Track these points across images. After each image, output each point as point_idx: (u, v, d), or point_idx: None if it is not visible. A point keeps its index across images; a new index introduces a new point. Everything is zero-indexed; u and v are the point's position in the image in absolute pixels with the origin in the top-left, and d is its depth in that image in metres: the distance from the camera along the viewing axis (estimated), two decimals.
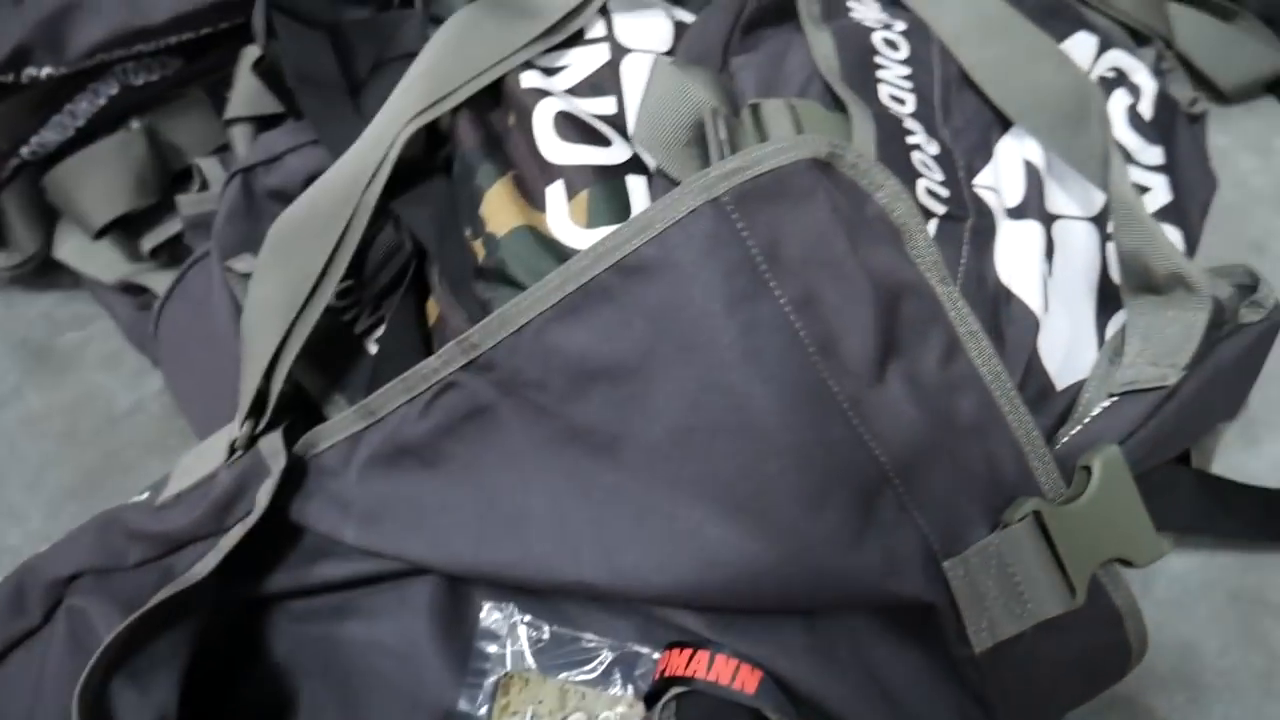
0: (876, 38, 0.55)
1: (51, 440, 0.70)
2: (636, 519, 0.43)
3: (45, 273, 0.75)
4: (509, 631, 0.48)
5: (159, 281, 0.70)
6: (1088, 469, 0.43)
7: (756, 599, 0.42)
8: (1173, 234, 0.57)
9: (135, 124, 0.69)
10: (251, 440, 0.49)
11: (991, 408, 0.43)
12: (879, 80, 0.52)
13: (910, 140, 0.50)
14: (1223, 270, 0.52)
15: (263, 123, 0.68)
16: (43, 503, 0.67)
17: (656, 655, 0.46)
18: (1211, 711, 0.56)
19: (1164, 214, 0.57)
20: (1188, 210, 0.59)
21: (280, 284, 0.50)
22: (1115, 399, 0.46)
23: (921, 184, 0.48)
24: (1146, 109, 0.60)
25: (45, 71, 0.64)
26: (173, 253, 0.72)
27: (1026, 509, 0.42)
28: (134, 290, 0.72)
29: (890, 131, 0.49)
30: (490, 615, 0.48)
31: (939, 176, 0.49)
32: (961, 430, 0.43)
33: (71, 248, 0.72)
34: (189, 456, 0.52)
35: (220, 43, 0.68)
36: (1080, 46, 0.60)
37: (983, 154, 0.53)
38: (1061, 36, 0.60)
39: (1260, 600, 0.59)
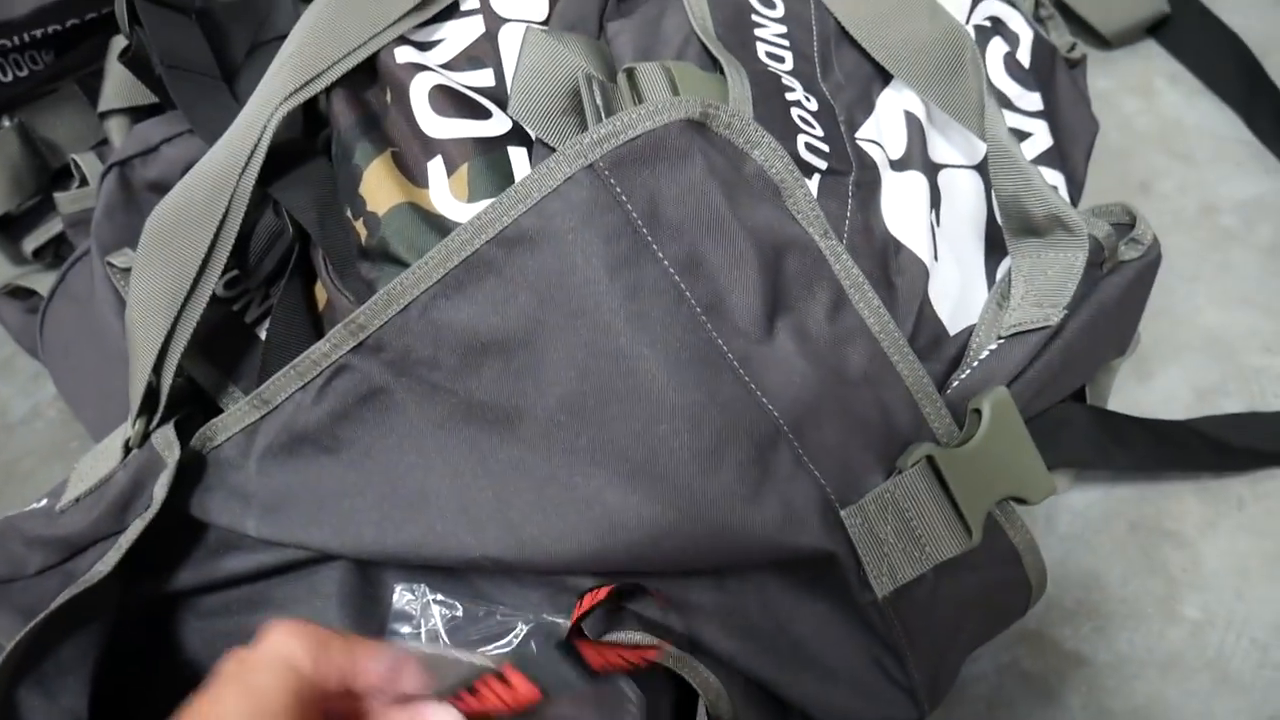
0: None
1: None
2: (537, 490, 0.43)
3: None
4: (421, 611, 0.47)
5: (45, 283, 0.68)
6: (978, 411, 0.44)
7: (660, 561, 0.42)
8: (1054, 177, 0.58)
9: (6, 122, 0.67)
10: (145, 437, 0.48)
11: (880, 357, 0.44)
12: (757, 39, 0.52)
13: (789, 97, 0.50)
14: (1101, 210, 0.53)
15: (139, 114, 0.66)
16: None
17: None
18: (1117, 638, 0.58)
19: (1044, 158, 0.58)
20: (1069, 154, 0.60)
21: (162, 277, 0.48)
22: (1003, 341, 0.47)
23: (801, 140, 0.48)
24: (1024, 56, 0.61)
25: None
26: (57, 253, 0.70)
27: (920, 454, 0.43)
28: (20, 294, 0.70)
29: (768, 89, 0.49)
30: (402, 597, 0.47)
31: (819, 132, 0.49)
32: (853, 381, 0.43)
33: None
34: (85, 460, 0.51)
35: (91, 34, 0.66)
36: None
37: (864, 107, 0.53)
38: None
39: (1158, 529, 0.61)
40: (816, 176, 0.48)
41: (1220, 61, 0.80)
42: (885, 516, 0.42)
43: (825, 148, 0.49)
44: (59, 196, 0.65)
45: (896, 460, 0.43)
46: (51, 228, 0.69)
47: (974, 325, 0.50)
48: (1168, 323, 0.67)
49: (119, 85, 0.64)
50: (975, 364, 0.47)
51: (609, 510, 0.41)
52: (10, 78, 0.66)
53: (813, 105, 0.50)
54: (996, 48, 0.59)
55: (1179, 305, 0.68)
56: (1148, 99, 0.80)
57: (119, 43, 0.62)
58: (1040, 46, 0.61)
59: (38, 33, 0.63)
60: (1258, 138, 0.77)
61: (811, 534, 0.42)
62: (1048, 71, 0.62)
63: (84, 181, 0.67)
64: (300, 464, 0.47)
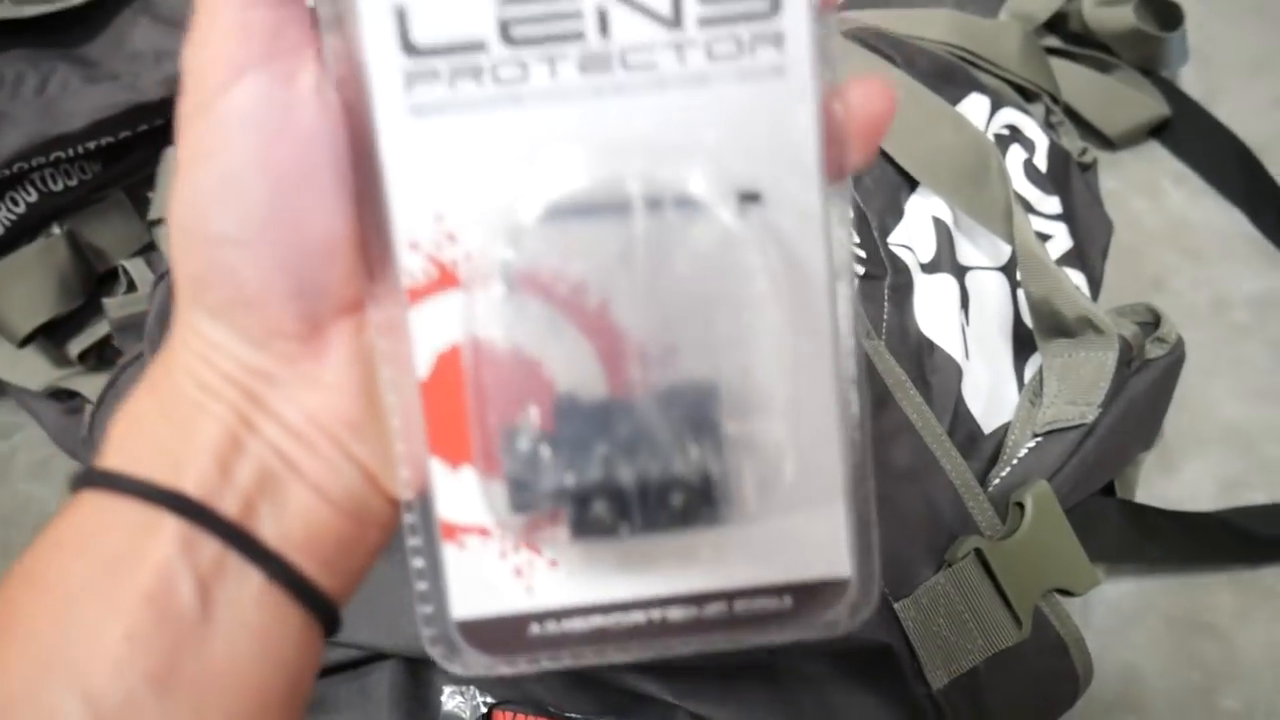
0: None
1: None
2: None
3: None
4: (472, 714, 0.48)
5: (88, 386, 0.70)
6: (1021, 505, 0.45)
7: (721, 654, 0.43)
8: (1077, 278, 0.60)
9: (56, 229, 0.69)
10: None
11: (924, 453, 0.45)
12: None
13: None
14: (1126, 310, 0.55)
15: None
16: None
17: None
18: None
19: (1067, 259, 0.61)
20: (1088, 254, 0.62)
21: None
22: (1039, 439, 0.49)
23: (850, 189, 0.50)
24: (1041, 162, 0.63)
25: None
26: (100, 355, 0.71)
27: (968, 547, 0.44)
28: (60, 396, 0.71)
29: None
30: (452, 699, 0.48)
31: (855, 238, 0.51)
32: (898, 476, 0.45)
33: None
34: None
35: (139, 146, 0.69)
36: (975, 107, 0.64)
37: (894, 213, 0.56)
38: (956, 99, 0.63)
39: (1192, 620, 0.61)
40: (854, 281, 0.50)
41: (1222, 160, 0.83)
42: (938, 609, 0.43)
43: (862, 253, 0.51)
44: (107, 302, 0.67)
45: (944, 553, 0.45)
46: (97, 331, 0.70)
47: (1008, 423, 0.51)
48: (1188, 417, 0.68)
49: (169, 195, 0.66)
50: (1015, 460, 0.48)
51: None
52: (61, 187, 0.68)
53: None
54: (1015, 154, 0.62)
55: (1198, 399, 0.69)
56: (1155, 198, 0.83)
57: (173, 154, 0.65)
58: (1055, 152, 0.64)
59: (91, 144, 0.66)
60: (1262, 233, 0.79)
61: (868, 627, 0.42)
62: (1064, 175, 0.64)
63: (132, 287, 0.68)
64: None
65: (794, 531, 0.24)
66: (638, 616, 0.25)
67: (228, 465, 0.23)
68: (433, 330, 0.23)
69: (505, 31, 0.22)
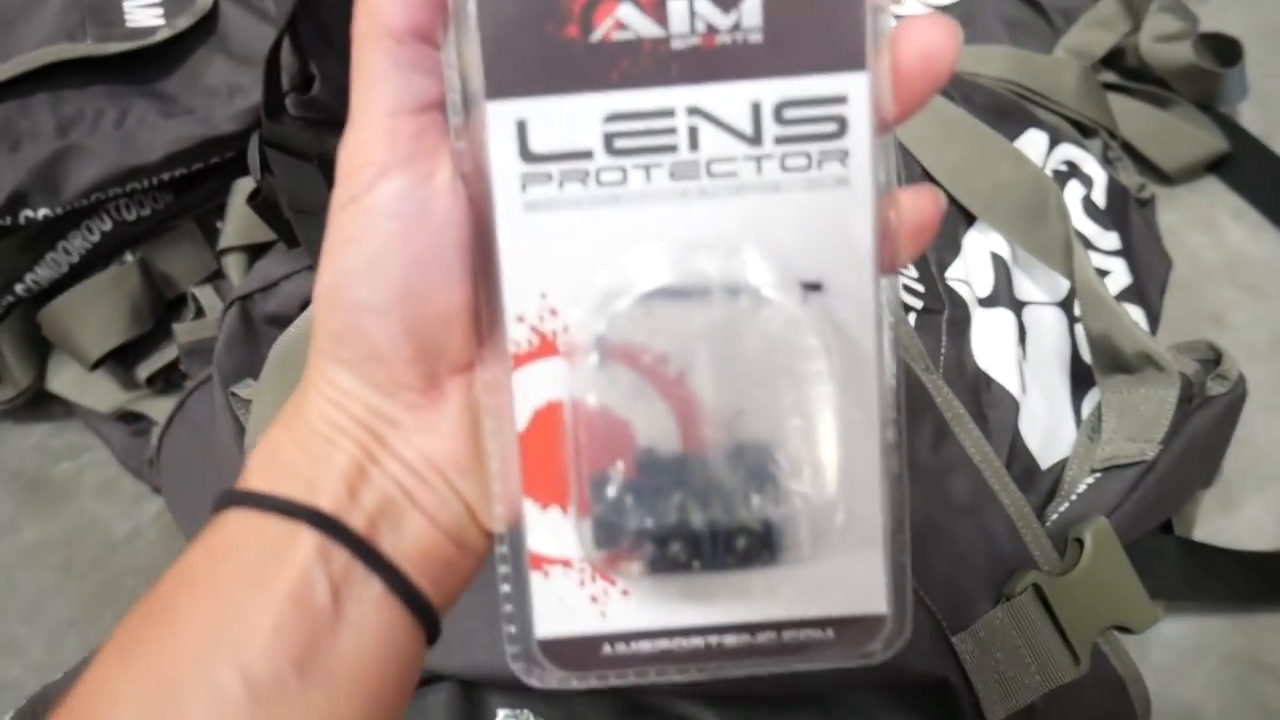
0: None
1: (49, 571, 0.70)
2: None
3: (36, 404, 0.76)
4: None
5: (154, 408, 0.71)
6: (1080, 541, 0.45)
7: (775, 684, 0.43)
8: (1136, 314, 0.60)
9: (129, 257, 0.71)
10: None
11: (983, 487, 0.46)
12: None
13: None
14: (1186, 346, 0.55)
15: (254, 251, 0.70)
16: (43, 634, 0.67)
17: None
18: None
19: (1126, 295, 0.60)
20: (1147, 290, 0.62)
21: (283, 402, 0.51)
22: (1098, 475, 0.48)
23: (899, 281, 0.51)
24: (1100, 197, 0.63)
25: (41, 213, 0.66)
26: (168, 379, 0.73)
27: (1027, 581, 0.44)
28: (128, 418, 0.73)
29: None
30: None
31: (914, 273, 0.52)
32: (957, 510, 0.45)
33: (66, 380, 0.73)
34: None
35: (208, 178, 0.71)
36: (1033, 143, 0.64)
37: (952, 249, 0.56)
38: (1014, 135, 0.64)
39: (1253, 661, 0.60)
40: (913, 315, 0.50)
41: None
42: (996, 643, 0.43)
43: (920, 288, 0.51)
44: (177, 327, 0.69)
45: (1002, 588, 0.45)
46: (165, 355, 0.72)
47: (1066, 458, 0.51)
48: (1249, 454, 0.68)
49: (239, 225, 0.68)
50: (1074, 496, 0.48)
51: None
52: (135, 216, 0.70)
53: None
54: (1074, 190, 0.62)
55: (1259, 436, 0.69)
56: (1213, 234, 0.82)
57: (244, 186, 0.67)
58: (1114, 188, 0.64)
59: (165, 176, 0.68)
60: None
61: (925, 659, 0.43)
62: (1122, 211, 0.64)
63: (200, 313, 0.70)
64: None
65: (838, 573, 0.28)
66: (697, 641, 0.28)
67: (355, 490, 0.27)
68: (532, 390, 0.27)
69: (609, 143, 0.26)
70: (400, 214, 0.26)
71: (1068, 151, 0.64)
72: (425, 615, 0.27)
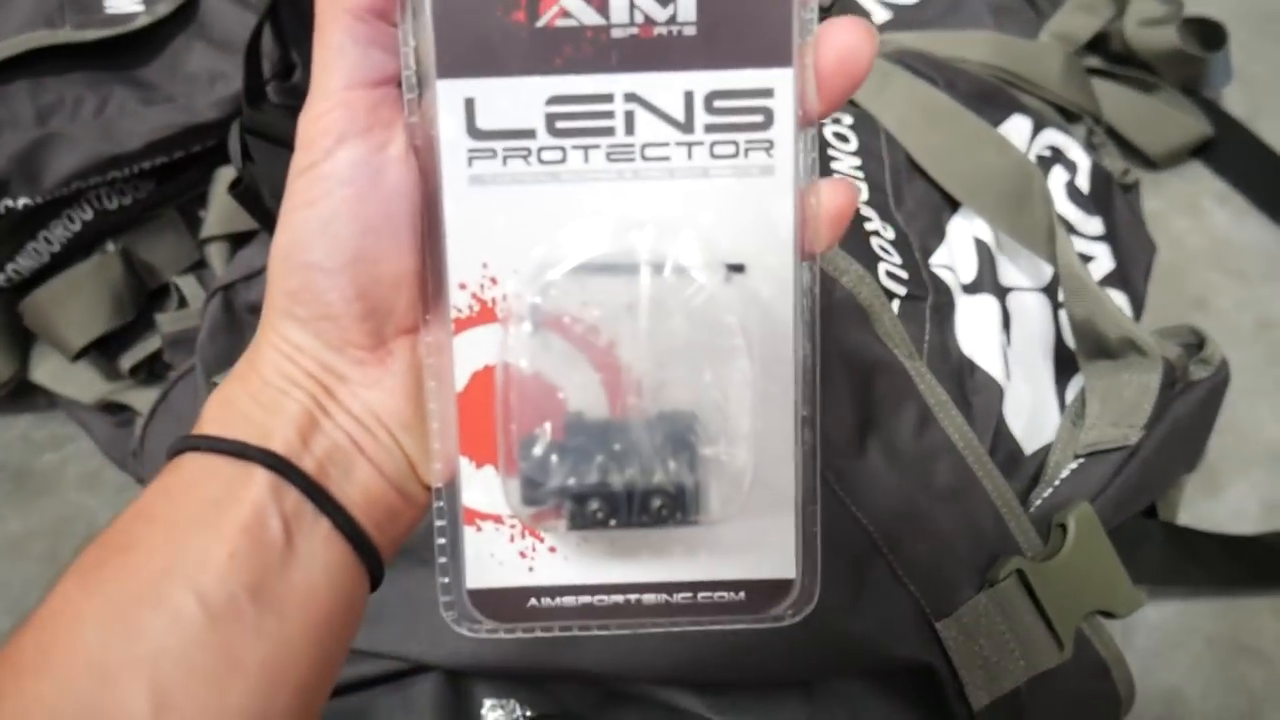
0: (827, 132, 0.58)
1: (33, 563, 0.70)
2: None
3: (19, 395, 0.75)
4: None
5: (138, 399, 0.71)
6: (1063, 527, 0.45)
7: (759, 671, 0.43)
8: (1119, 299, 0.60)
9: (111, 247, 0.70)
10: None
11: (966, 473, 0.46)
12: (833, 171, 0.56)
13: (868, 227, 0.52)
14: (1169, 331, 0.55)
15: (236, 240, 0.69)
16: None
17: None
18: None
19: (1109, 280, 0.60)
20: (1131, 275, 0.62)
21: None
22: (1082, 460, 0.49)
23: (882, 267, 0.51)
24: (1084, 183, 0.63)
25: (21, 202, 0.66)
26: (150, 369, 0.73)
27: (1010, 568, 0.44)
28: (111, 408, 0.73)
29: None
30: (492, 712, 0.48)
31: (897, 260, 0.52)
32: (940, 495, 0.45)
33: (49, 370, 0.73)
34: None
35: (190, 167, 0.70)
36: (1016, 129, 0.64)
37: (935, 235, 0.56)
38: (998, 121, 0.64)
39: (1235, 644, 0.61)
40: (896, 301, 0.50)
41: (1265, 180, 0.83)
42: (980, 628, 0.43)
43: (904, 274, 0.51)
44: (160, 317, 0.69)
45: (986, 574, 0.45)
46: (148, 346, 0.72)
47: (1050, 444, 0.51)
48: (1233, 438, 0.68)
49: (221, 214, 0.68)
50: (1058, 481, 0.48)
51: None
52: (116, 205, 0.70)
53: (890, 234, 0.53)
54: (1058, 176, 0.62)
55: (1242, 420, 0.69)
56: (1197, 218, 0.83)
57: (225, 175, 0.66)
58: (1098, 173, 0.64)
59: (146, 164, 0.67)
60: None
61: (909, 645, 0.43)
62: (1106, 196, 0.64)
63: (183, 303, 0.70)
64: (398, 575, 0.48)
65: (751, 538, 0.30)
66: (618, 598, 0.30)
67: (306, 437, 0.29)
68: (471, 354, 0.29)
69: (551, 124, 0.28)
70: (355, 181, 0.27)
71: (1051, 137, 0.64)
72: (370, 557, 0.29)
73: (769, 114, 0.27)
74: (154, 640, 0.25)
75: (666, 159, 0.27)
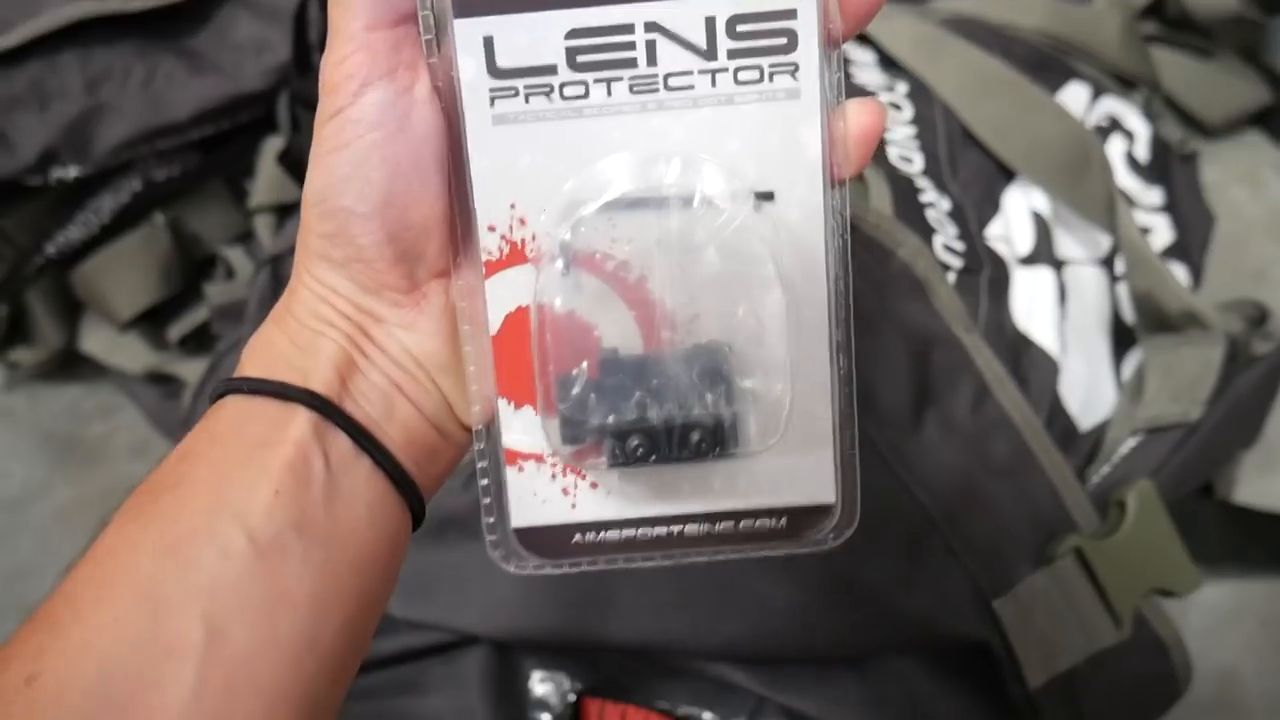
0: (882, 100, 0.57)
1: (83, 533, 0.71)
2: (684, 577, 0.44)
3: (67, 366, 0.76)
4: (560, 700, 0.48)
5: (186, 369, 0.71)
6: (1121, 504, 0.45)
7: (810, 648, 0.43)
8: (1179, 271, 0.59)
9: (159, 218, 0.71)
10: None
11: (1023, 449, 0.45)
12: (888, 142, 0.55)
13: (923, 199, 0.51)
14: (1232, 305, 0.53)
15: (284, 211, 0.69)
16: None
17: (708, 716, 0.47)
18: None
19: (1169, 253, 0.59)
20: (1190, 247, 0.61)
21: None
22: (1141, 437, 0.48)
23: (938, 240, 0.50)
24: (1142, 152, 0.62)
25: (72, 172, 0.66)
26: (198, 340, 0.73)
27: (1068, 545, 0.43)
28: (159, 379, 0.73)
29: (904, 191, 0.51)
30: (542, 685, 0.49)
31: (954, 231, 0.51)
32: (997, 472, 0.44)
33: (98, 340, 0.73)
34: None
35: (236, 138, 0.70)
36: (1073, 97, 0.63)
37: (990, 206, 0.55)
38: (1054, 88, 0.62)
39: None
40: (952, 274, 0.49)
41: None
42: (1037, 606, 0.43)
43: (960, 246, 0.50)
44: (209, 288, 0.69)
45: (1043, 551, 0.44)
46: (196, 317, 0.72)
47: (1106, 420, 0.50)
48: None
49: (269, 184, 0.68)
50: (1116, 458, 0.47)
51: (760, 598, 0.42)
52: (164, 176, 0.70)
53: (945, 205, 0.52)
54: (1116, 145, 0.61)
55: None
56: (1255, 188, 0.81)
57: (274, 144, 0.66)
58: (1157, 143, 0.63)
59: (194, 135, 0.68)
60: None
61: (965, 622, 0.42)
62: (1165, 167, 0.63)
63: (230, 274, 0.70)
64: (446, 548, 0.48)
65: (789, 466, 0.30)
66: (661, 530, 0.30)
67: (345, 377, 0.29)
68: (503, 296, 0.29)
69: (571, 59, 0.27)
70: (383, 124, 0.27)
71: (1109, 105, 0.63)
72: (411, 494, 0.29)
73: (793, 36, 0.27)
74: (206, 573, 0.26)
75: (690, 88, 0.27)
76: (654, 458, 0.28)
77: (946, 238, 0.50)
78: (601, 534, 0.30)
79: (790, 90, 0.27)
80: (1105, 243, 0.56)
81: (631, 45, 0.27)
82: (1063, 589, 0.43)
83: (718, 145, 0.28)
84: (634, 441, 0.28)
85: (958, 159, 0.56)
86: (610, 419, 0.28)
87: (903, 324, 0.44)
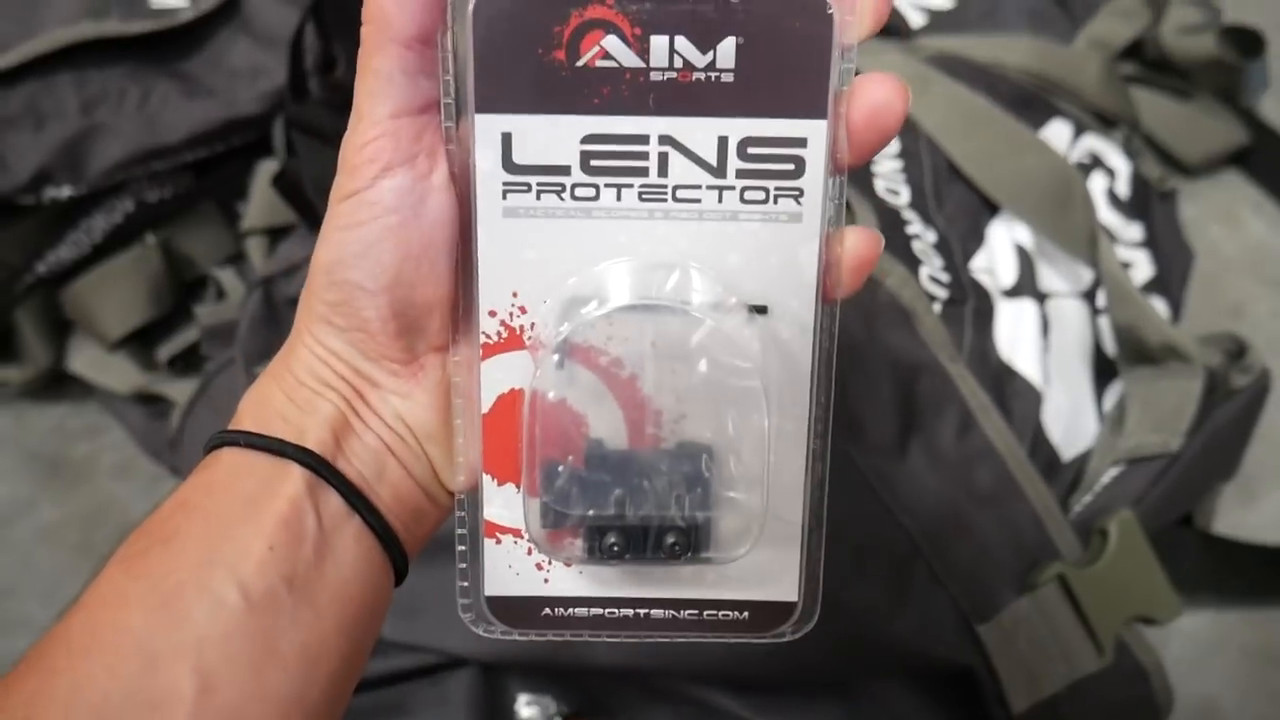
0: None
1: (66, 551, 0.71)
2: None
3: (54, 385, 0.76)
4: None
5: (174, 390, 0.71)
6: (1103, 533, 0.45)
7: (798, 670, 0.43)
8: (1159, 305, 0.60)
9: (151, 238, 0.71)
10: None
11: (1007, 477, 0.46)
12: (874, 175, 0.56)
13: (909, 230, 0.52)
14: (1211, 338, 0.54)
15: (275, 234, 0.70)
16: (58, 615, 0.67)
17: None
18: None
19: (1150, 287, 0.60)
20: (1170, 282, 0.62)
21: None
22: (1122, 467, 0.48)
23: (924, 271, 0.51)
24: (1123, 189, 0.63)
25: (65, 192, 0.66)
26: (187, 360, 0.73)
27: (1051, 572, 0.44)
28: (146, 399, 0.73)
29: (890, 222, 0.52)
30: (528, 708, 0.49)
31: (939, 263, 0.52)
32: (981, 499, 0.45)
33: (86, 360, 0.73)
34: None
35: (230, 158, 0.71)
36: (1056, 134, 0.64)
37: (975, 239, 0.56)
38: (1038, 125, 0.63)
39: (1271, 654, 0.61)
40: (937, 305, 0.50)
41: None
42: (1020, 633, 0.43)
43: (945, 278, 0.51)
44: (199, 310, 0.69)
45: (1026, 579, 0.45)
46: (186, 337, 0.72)
47: (1088, 450, 0.51)
48: (1268, 446, 0.68)
49: (261, 207, 0.68)
50: (1097, 487, 0.48)
51: None
52: (156, 198, 0.71)
53: (931, 237, 0.53)
54: (1098, 182, 0.62)
55: (1279, 429, 0.69)
56: (1233, 226, 0.82)
57: (267, 168, 0.67)
58: (1138, 180, 0.64)
59: (188, 157, 0.68)
60: None
61: (950, 647, 0.43)
62: (1145, 203, 0.64)
63: (221, 295, 0.70)
64: (435, 569, 0.48)
65: (757, 564, 0.31)
66: (628, 611, 0.32)
67: (340, 437, 0.30)
68: (498, 377, 0.30)
69: (585, 162, 0.28)
70: (399, 209, 0.28)
71: (1091, 143, 0.64)
72: (397, 554, 0.30)
73: (800, 162, 0.28)
74: (198, 626, 0.26)
75: (698, 201, 0.28)
76: (628, 556, 0.29)
77: (932, 269, 0.51)
78: (571, 610, 0.32)
79: (793, 214, 0.28)
80: (1087, 276, 0.58)
81: (645, 155, 0.28)
82: (1046, 615, 0.43)
83: (719, 258, 0.29)
84: (610, 539, 0.29)
85: (943, 192, 0.57)
86: (591, 512, 0.29)
87: (889, 352, 0.44)
